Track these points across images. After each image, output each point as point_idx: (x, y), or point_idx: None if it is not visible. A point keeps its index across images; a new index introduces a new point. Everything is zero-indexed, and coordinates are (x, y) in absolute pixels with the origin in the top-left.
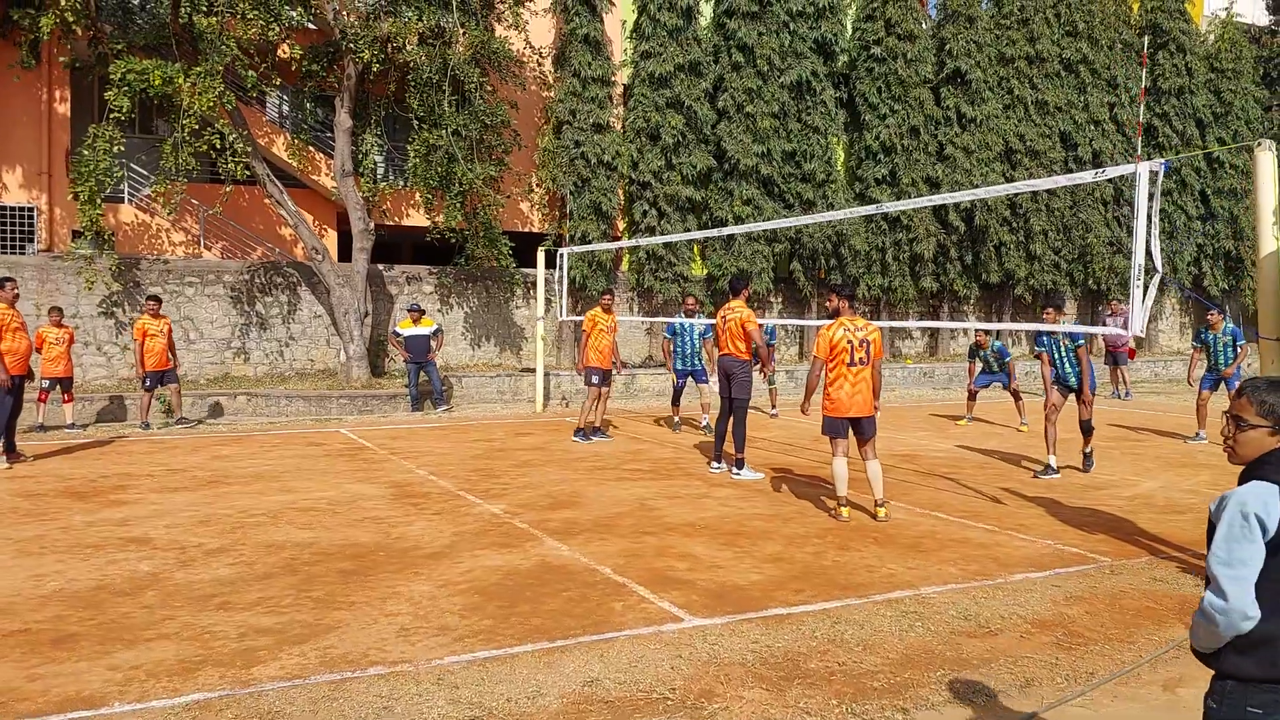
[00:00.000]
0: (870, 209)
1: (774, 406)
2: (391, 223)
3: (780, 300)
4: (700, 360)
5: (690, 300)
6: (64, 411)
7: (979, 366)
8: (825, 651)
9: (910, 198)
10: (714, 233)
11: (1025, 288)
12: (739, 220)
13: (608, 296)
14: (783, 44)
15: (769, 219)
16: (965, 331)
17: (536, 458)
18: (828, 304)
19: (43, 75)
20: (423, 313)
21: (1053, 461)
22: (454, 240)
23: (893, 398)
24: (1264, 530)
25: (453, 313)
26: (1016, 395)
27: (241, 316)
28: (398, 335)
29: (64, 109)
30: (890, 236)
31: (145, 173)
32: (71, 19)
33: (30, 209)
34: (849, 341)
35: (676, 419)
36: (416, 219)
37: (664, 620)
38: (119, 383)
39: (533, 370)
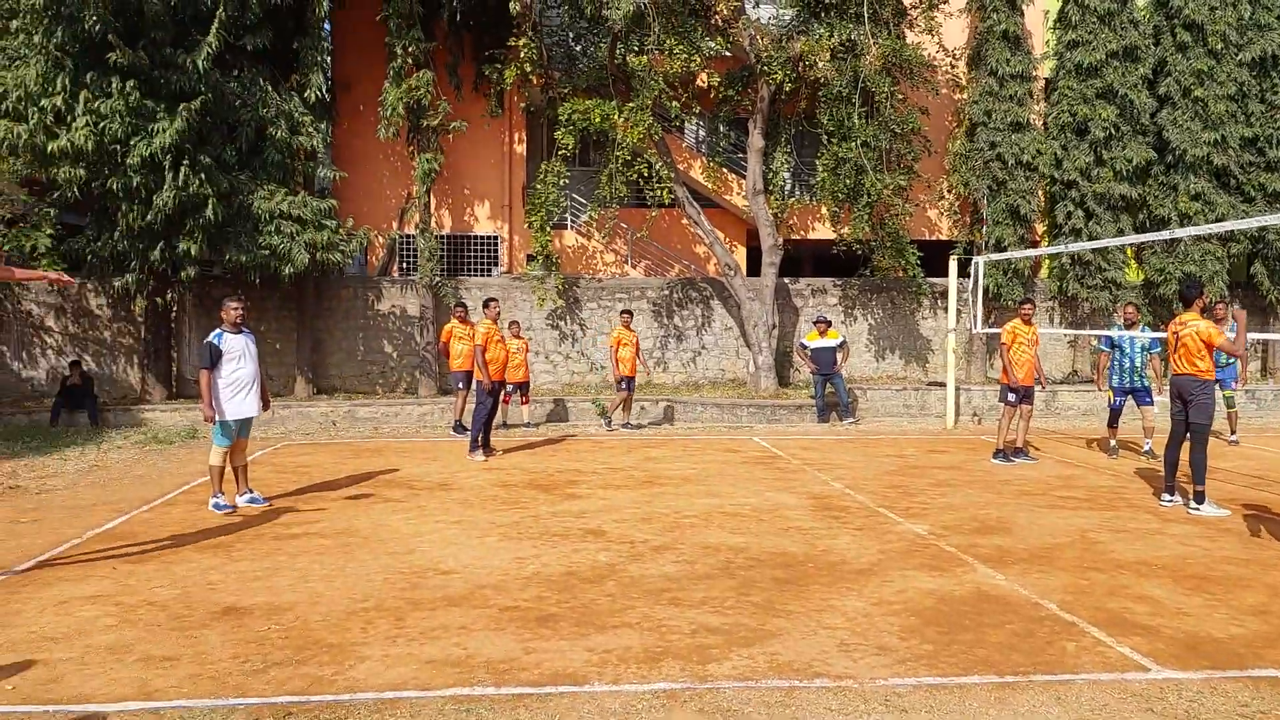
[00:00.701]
0: None
1: (1234, 432)
2: (797, 237)
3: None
4: (1143, 378)
5: (1129, 308)
6: (522, 412)
7: None
8: None
9: None
10: (1154, 236)
11: None
12: (1186, 219)
13: (1028, 306)
14: (1240, 17)
15: (1223, 215)
16: None
17: (954, 477)
18: None
19: (504, 121)
20: (829, 324)
21: None
22: (859, 251)
23: None
24: None
25: (856, 324)
26: None
27: (661, 329)
28: (804, 347)
29: (521, 149)
30: None
31: (583, 200)
32: (529, 69)
33: (495, 237)
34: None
35: (1113, 442)
36: (821, 232)
37: (1126, 668)
38: (563, 387)
39: (941, 384)
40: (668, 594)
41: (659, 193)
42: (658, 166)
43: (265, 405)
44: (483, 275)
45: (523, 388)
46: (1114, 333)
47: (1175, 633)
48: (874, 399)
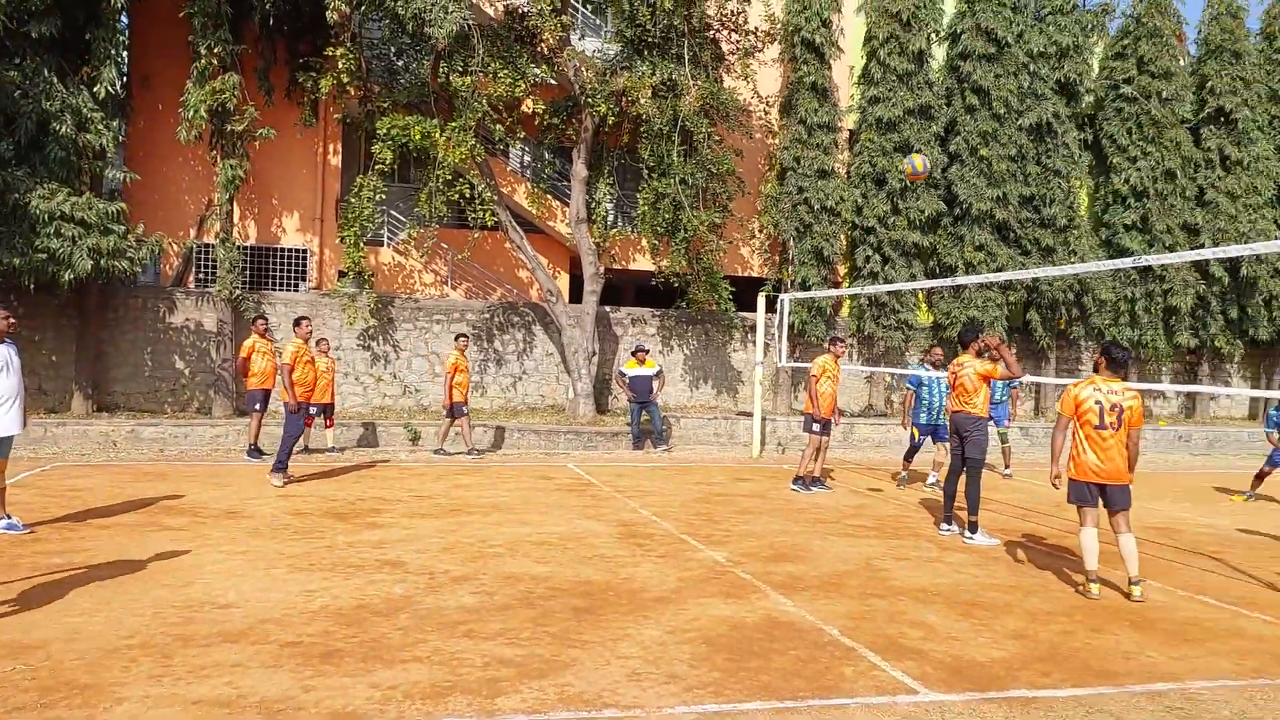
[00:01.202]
0: (1126, 262)
1: (1007, 466)
2: (618, 267)
3: (1015, 353)
4: (943, 416)
5: (937, 350)
6: (325, 436)
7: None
8: None
9: (1165, 246)
10: (943, 282)
11: None
12: (970, 267)
13: (840, 345)
14: (1021, 85)
15: (1003, 266)
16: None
17: (757, 505)
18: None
19: (319, 131)
20: (647, 353)
21: None
22: (676, 284)
23: (1143, 463)
24: None
25: (673, 354)
26: None
27: (481, 353)
28: (623, 375)
29: (336, 161)
30: (1141, 287)
31: (402, 218)
32: (346, 80)
33: (304, 250)
34: (1097, 402)
35: (903, 474)
36: (642, 263)
37: (897, 691)
38: (373, 411)
39: (748, 414)
40: (463, 626)
41: (481, 215)
42: (480, 188)
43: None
44: (289, 290)
45: (326, 410)
46: (921, 373)
47: (944, 656)
48: (687, 427)
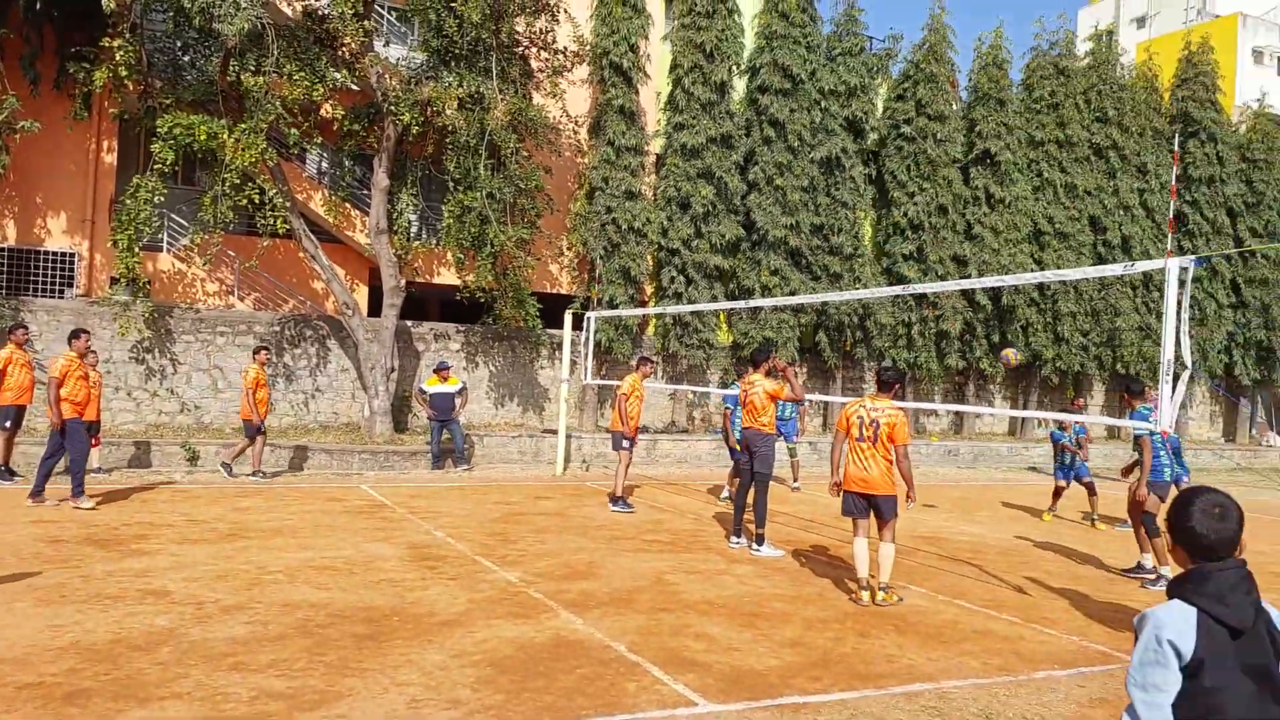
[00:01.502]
0: (898, 289)
1: (796, 479)
2: (422, 280)
3: (805, 372)
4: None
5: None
6: (91, 455)
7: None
8: None
9: (938, 275)
10: (741, 304)
11: (1053, 369)
12: (766, 290)
13: (649, 366)
14: (814, 120)
15: (796, 290)
16: (993, 407)
17: (555, 524)
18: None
19: (92, 126)
20: (450, 370)
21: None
22: (482, 299)
23: (916, 475)
24: (1178, 656)
25: (478, 371)
26: (1091, 489)
27: (270, 368)
28: (424, 392)
29: (110, 159)
30: (917, 313)
31: (185, 223)
32: (124, 73)
33: (71, 254)
34: (859, 417)
35: (728, 488)
36: (447, 277)
37: (678, 704)
38: (147, 429)
39: (554, 431)
40: (231, 658)
41: (273, 222)
42: (272, 193)
43: None
44: (54, 297)
45: (92, 427)
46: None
47: (724, 667)
48: (490, 445)
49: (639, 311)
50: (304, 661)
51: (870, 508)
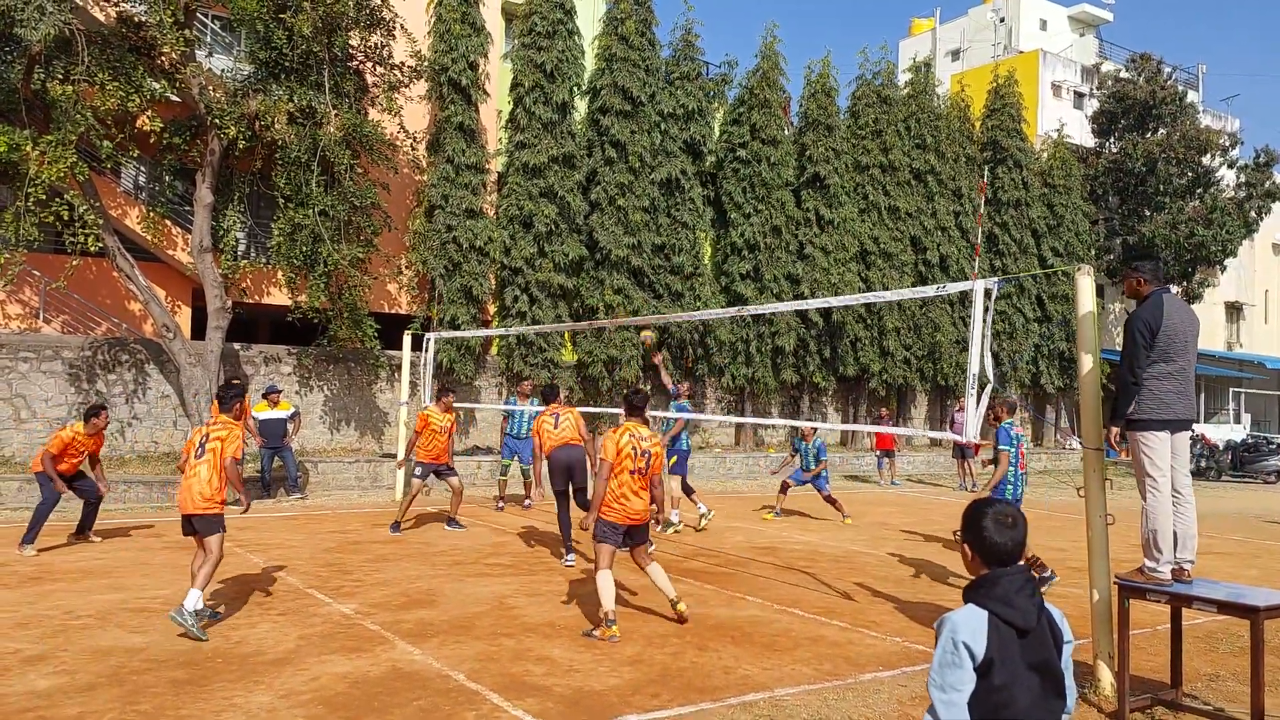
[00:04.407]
0: (734, 310)
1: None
2: (251, 301)
3: (650, 388)
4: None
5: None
6: None
7: (798, 461)
8: None
9: (773, 293)
10: (585, 324)
11: (880, 381)
12: (610, 309)
13: (449, 396)
14: (654, 142)
15: (639, 309)
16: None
17: (394, 551)
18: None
19: None
20: (280, 394)
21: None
22: (316, 320)
23: (754, 486)
24: (972, 657)
25: (312, 395)
26: (832, 500)
27: (80, 395)
28: (253, 419)
29: None
30: (754, 329)
31: None
32: None
33: None
34: (634, 449)
35: None
36: (278, 298)
37: None
38: None
39: (394, 455)
40: (33, 714)
41: (84, 239)
42: (82, 210)
43: None
44: None
45: None
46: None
47: (565, 690)
48: (326, 471)
49: (482, 333)
50: (115, 713)
51: (627, 536)
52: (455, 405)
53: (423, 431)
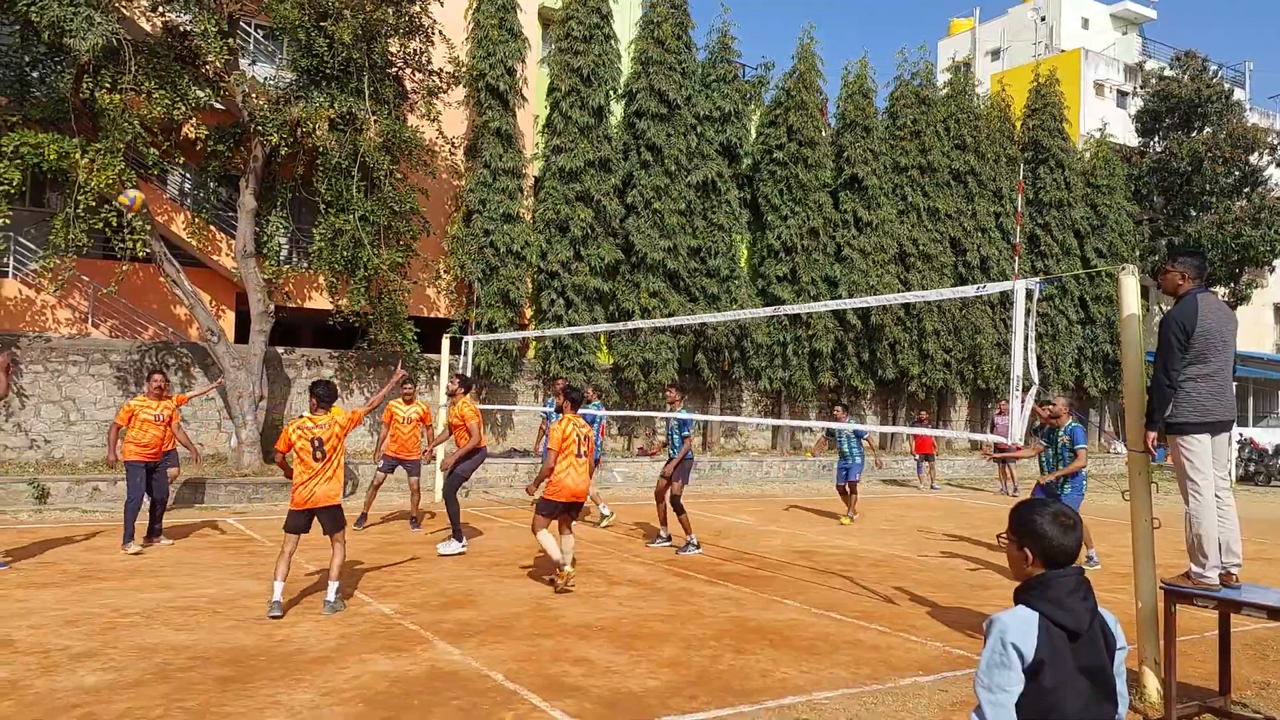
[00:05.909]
0: (770, 310)
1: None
2: (293, 305)
3: (688, 392)
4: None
5: (590, 390)
6: None
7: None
8: None
9: (810, 296)
10: (620, 326)
11: (919, 385)
12: (645, 312)
13: (409, 388)
14: (690, 145)
15: (674, 311)
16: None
17: (433, 552)
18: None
19: None
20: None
21: None
22: (357, 324)
23: (790, 489)
24: (1021, 658)
25: (353, 397)
26: (846, 494)
27: (127, 398)
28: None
29: None
30: (791, 332)
31: (33, 247)
32: None
33: None
34: (577, 436)
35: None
36: (320, 302)
37: None
38: None
39: (434, 457)
40: (81, 709)
41: (131, 245)
42: (130, 216)
43: None
44: None
45: None
46: (596, 412)
47: (603, 691)
48: (366, 474)
49: (518, 335)
50: (161, 709)
51: (567, 511)
52: (490, 407)
53: (389, 424)
